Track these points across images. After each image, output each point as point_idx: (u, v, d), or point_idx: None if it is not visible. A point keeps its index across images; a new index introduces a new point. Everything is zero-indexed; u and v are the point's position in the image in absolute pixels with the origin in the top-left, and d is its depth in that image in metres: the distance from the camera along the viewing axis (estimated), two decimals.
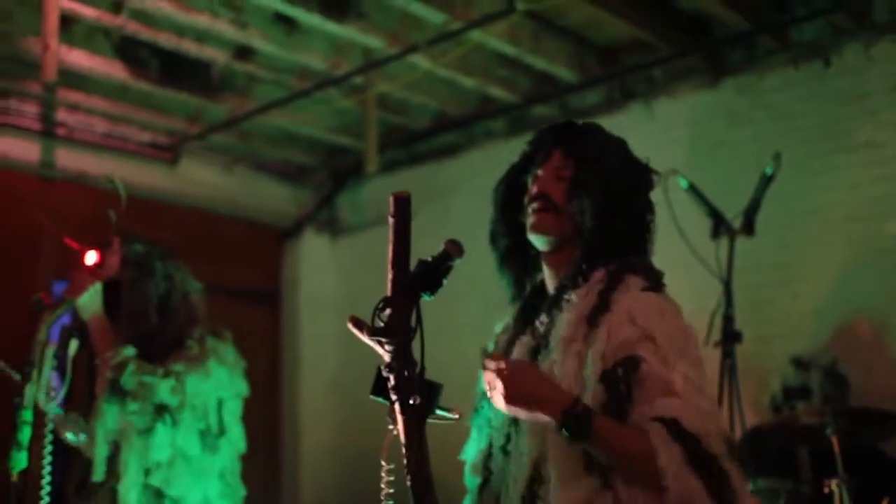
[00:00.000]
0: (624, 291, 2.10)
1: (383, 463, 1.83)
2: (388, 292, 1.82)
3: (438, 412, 1.87)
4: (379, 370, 1.84)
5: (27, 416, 3.06)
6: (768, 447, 4.13)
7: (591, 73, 6.08)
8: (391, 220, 1.84)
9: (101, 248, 3.42)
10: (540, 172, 2.27)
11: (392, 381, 1.79)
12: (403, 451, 1.77)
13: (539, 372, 2.04)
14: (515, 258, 2.36)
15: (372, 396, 1.87)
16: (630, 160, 2.29)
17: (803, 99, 5.49)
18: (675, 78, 5.98)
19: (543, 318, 2.23)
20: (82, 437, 3.44)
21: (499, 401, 1.96)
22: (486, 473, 2.24)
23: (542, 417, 1.92)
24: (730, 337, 3.95)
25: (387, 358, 1.80)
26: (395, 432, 1.77)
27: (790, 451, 4.31)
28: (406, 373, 1.78)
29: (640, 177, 2.28)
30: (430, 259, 1.92)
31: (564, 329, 2.11)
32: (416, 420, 1.78)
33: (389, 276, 1.82)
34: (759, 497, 3.83)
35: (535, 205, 2.24)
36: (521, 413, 1.97)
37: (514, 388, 1.94)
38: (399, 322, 1.80)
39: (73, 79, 5.90)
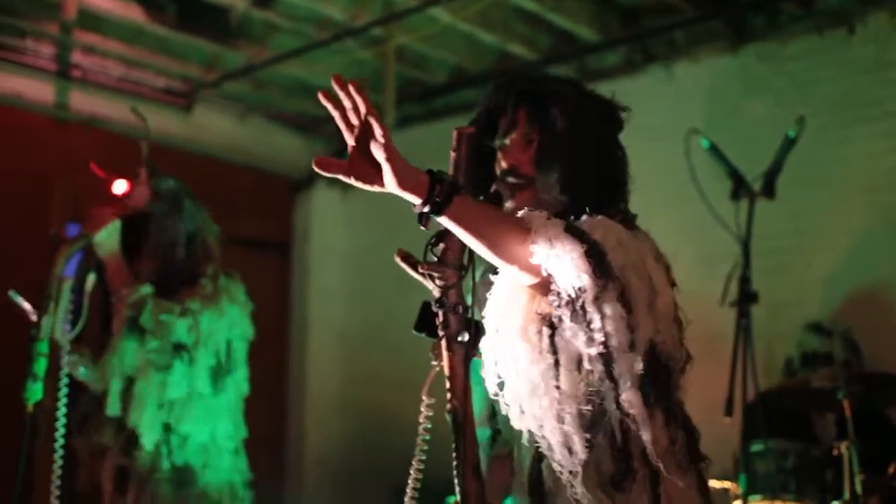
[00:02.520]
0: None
1: (424, 398, 1.82)
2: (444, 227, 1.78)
3: (482, 351, 1.85)
4: (424, 305, 1.81)
5: (43, 348, 3.09)
6: (780, 409, 4.13)
7: (612, 34, 6.04)
8: (452, 154, 1.81)
9: (130, 178, 3.44)
10: (507, 142, 2.14)
11: (441, 317, 1.76)
12: (447, 386, 1.75)
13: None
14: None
15: (415, 332, 1.83)
16: (594, 113, 2.17)
17: (825, 67, 5.45)
18: (697, 42, 5.94)
19: None
20: (82, 370, 3.44)
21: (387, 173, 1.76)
22: (493, 427, 2.22)
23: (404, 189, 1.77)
24: (746, 297, 3.94)
25: (437, 293, 1.78)
26: (437, 368, 1.75)
27: (801, 414, 4.32)
28: (456, 309, 1.75)
29: (607, 127, 2.17)
30: (482, 199, 1.92)
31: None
32: (462, 357, 1.75)
33: None
34: (770, 458, 3.85)
35: (508, 181, 2.12)
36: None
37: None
38: (452, 258, 1.78)
39: (89, 20, 5.87)
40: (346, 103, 1.78)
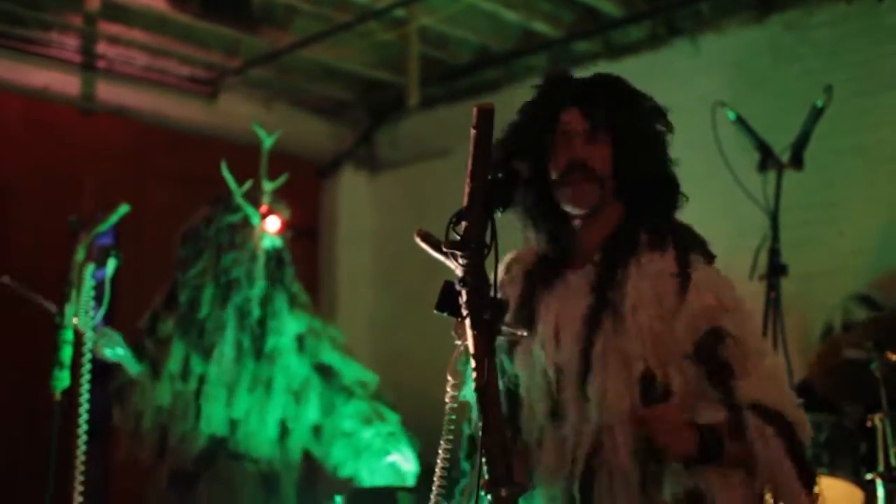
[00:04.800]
0: (697, 263, 2.15)
1: (449, 378, 1.82)
2: (465, 204, 1.79)
3: (504, 329, 1.84)
4: (446, 284, 1.81)
5: (68, 335, 3.11)
6: (812, 381, 4.08)
7: (636, 8, 5.99)
8: (473, 131, 1.79)
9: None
10: (570, 135, 2.17)
11: (465, 296, 1.76)
12: (472, 364, 1.74)
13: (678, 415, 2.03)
14: (545, 213, 2.25)
15: (436, 311, 1.82)
16: (657, 113, 2.23)
17: (853, 35, 5.37)
18: (722, 13, 5.87)
19: (589, 275, 2.18)
20: (120, 351, 3.49)
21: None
22: (513, 427, 2.23)
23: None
24: (776, 270, 3.90)
25: (459, 272, 1.77)
26: (462, 347, 1.74)
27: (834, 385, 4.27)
28: (479, 288, 1.74)
29: (666, 128, 2.24)
30: (500, 175, 1.90)
31: (637, 296, 2.11)
32: (486, 335, 1.75)
33: (467, 188, 1.79)
34: None
35: (574, 175, 2.15)
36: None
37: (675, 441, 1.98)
38: (475, 236, 1.76)
39: (113, 11, 5.89)
40: None
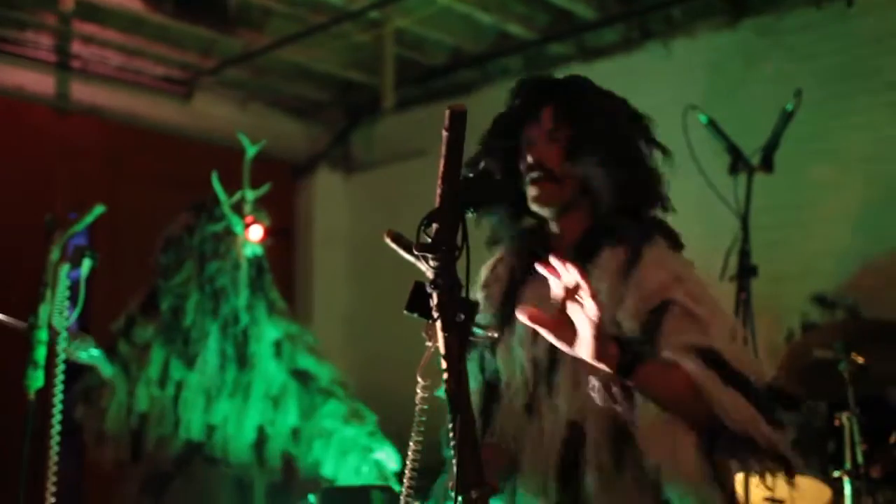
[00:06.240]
0: (652, 246, 2.12)
1: (419, 379, 1.81)
2: (437, 206, 1.77)
3: (475, 331, 1.85)
4: (417, 286, 1.80)
5: (42, 335, 3.09)
6: (780, 381, 4.12)
7: (610, 11, 6.03)
8: (445, 133, 1.79)
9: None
10: (532, 136, 2.23)
11: (436, 298, 1.76)
12: (444, 366, 1.75)
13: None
14: (518, 214, 2.31)
15: (406, 312, 1.81)
16: (624, 110, 2.25)
17: (824, 39, 5.44)
18: (694, 17, 5.93)
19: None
20: (94, 352, 3.49)
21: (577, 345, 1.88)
22: (484, 421, 2.26)
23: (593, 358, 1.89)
24: (746, 271, 3.94)
25: (430, 274, 1.75)
26: (433, 349, 1.74)
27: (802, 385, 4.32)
28: (451, 290, 1.76)
29: (637, 125, 2.25)
30: (471, 176, 1.93)
31: (595, 282, 2.05)
32: (458, 337, 1.75)
33: (438, 190, 1.76)
34: None
35: (533, 175, 2.20)
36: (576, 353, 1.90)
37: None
38: (446, 238, 1.75)
39: (88, 10, 5.87)
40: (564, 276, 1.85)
